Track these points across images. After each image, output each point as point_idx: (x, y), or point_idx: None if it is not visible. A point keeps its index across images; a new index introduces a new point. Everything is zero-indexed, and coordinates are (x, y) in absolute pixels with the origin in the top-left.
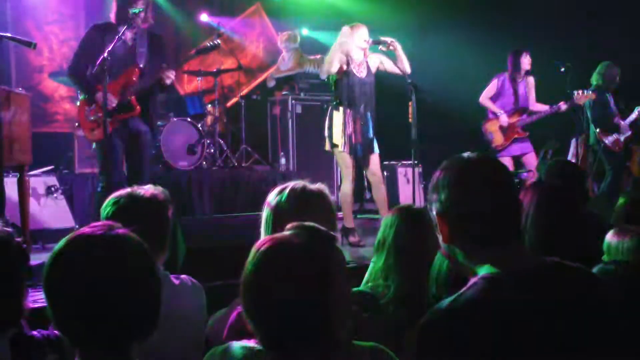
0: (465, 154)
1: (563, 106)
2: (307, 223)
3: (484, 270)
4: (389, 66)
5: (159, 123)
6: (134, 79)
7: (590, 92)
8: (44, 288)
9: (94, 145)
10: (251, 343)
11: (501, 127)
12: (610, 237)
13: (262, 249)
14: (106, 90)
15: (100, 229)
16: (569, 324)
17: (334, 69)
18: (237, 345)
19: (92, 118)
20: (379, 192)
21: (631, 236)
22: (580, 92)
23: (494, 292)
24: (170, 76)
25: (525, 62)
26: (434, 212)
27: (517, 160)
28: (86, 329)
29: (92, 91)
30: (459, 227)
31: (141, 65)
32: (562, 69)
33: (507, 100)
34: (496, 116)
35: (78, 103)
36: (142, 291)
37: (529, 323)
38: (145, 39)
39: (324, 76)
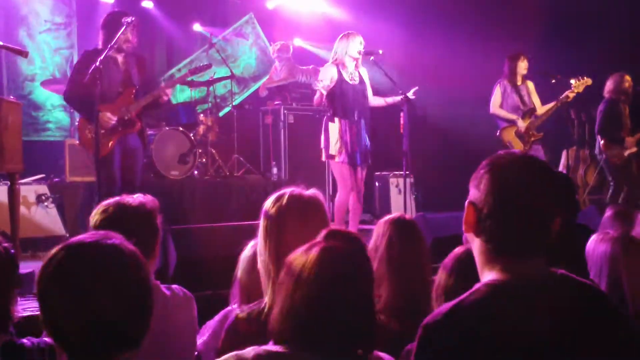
0: (519, 153)
1: (571, 94)
2: (341, 229)
3: (490, 275)
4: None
5: (150, 132)
6: (131, 98)
7: (585, 77)
8: (37, 293)
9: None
10: (267, 347)
11: (517, 133)
12: (589, 243)
13: (316, 254)
14: (98, 102)
15: (96, 237)
16: (567, 338)
17: (327, 83)
18: (251, 351)
19: (93, 136)
20: (358, 203)
21: (606, 243)
22: (575, 80)
23: (496, 300)
24: (168, 94)
25: (522, 66)
26: (467, 199)
27: None
28: (76, 336)
29: (91, 112)
30: (485, 221)
31: (137, 87)
32: (553, 81)
33: (512, 105)
34: (511, 123)
35: (77, 122)
36: (134, 301)
37: (527, 333)
38: (134, 61)
39: (316, 105)
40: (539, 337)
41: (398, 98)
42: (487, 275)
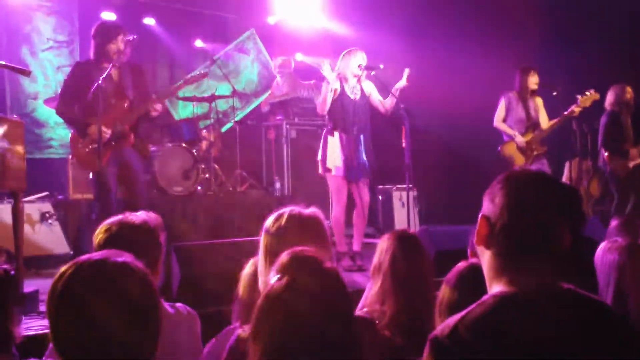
0: (535, 170)
1: (576, 108)
2: (303, 253)
3: (498, 288)
4: (375, 97)
5: (153, 148)
6: (125, 111)
7: (593, 92)
8: (46, 309)
9: (90, 174)
10: None
11: (519, 148)
12: (597, 252)
13: (304, 287)
14: (100, 119)
15: (105, 255)
16: (572, 352)
17: (327, 107)
18: None
19: (87, 150)
20: (361, 217)
21: (613, 251)
22: (581, 96)
23: (502, 311)
24: (157, 109)
25: (532, 81)
26: (481, 212)
27: None
28: (85, 354)
29: (83, 126)
30: (498, 236)
31: (130, 98)
32: (554, 93)
33: (517, 118)
34: (511, 138)
35: (69, 137)
36: (142, 320)
37: (532, 346)
38: (129, 72)
39: (320, 111)
40: (544, 350)
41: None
42: (495, 288)
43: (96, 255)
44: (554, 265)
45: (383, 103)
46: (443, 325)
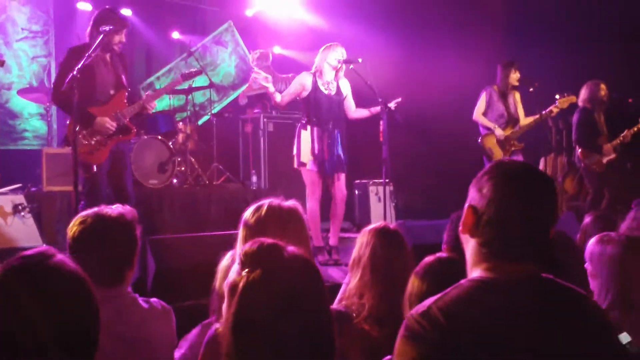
0: (523, 163)
1: (554, 109)
2: (264, 243)
3: (476, 273)
4: (348, 100)
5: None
6: (125, 102)
7: (570, 95)
8: None
9: (94, 167)
10: None
11: (498, 141)
12: (592, 245)
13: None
14: (76, 105)
15: (34, 258)
16: (545, 336)
17: (282, 103)
18: None
19: (92, 142)
20: (338, 210)
21: (613, 244)
22: (560, 96)
23: (478, 295)
24: (153, 105)
25: (514, 78)
26: (467, 203)
27: None
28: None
29: (84, 115)
30: (484, 227)
31: (129, 89)
32: (531, 89)
33: (496, 113)
34: (491, 131)
35: (67, 122)
36: (74, 322)
37: (505, 328)
38: (118, 60)
39: (276, 103)
40: (516, 335)
41: (379, 108)
42: (474, 274)
43: (25, 258)
44: (536, 256)
45: (354, 111)
46: (418, 305)
